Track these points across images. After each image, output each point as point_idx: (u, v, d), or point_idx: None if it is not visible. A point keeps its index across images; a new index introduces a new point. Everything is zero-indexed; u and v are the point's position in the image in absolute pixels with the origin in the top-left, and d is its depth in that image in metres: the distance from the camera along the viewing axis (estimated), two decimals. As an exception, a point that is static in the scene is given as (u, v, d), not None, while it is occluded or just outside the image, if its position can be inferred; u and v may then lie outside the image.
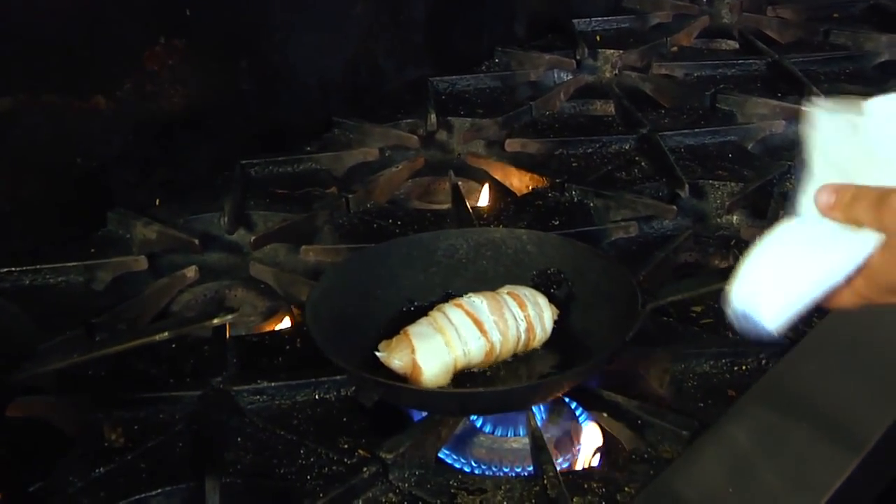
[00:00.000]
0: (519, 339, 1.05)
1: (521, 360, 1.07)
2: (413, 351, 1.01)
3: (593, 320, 1.09)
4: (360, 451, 0.98)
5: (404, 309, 1.13)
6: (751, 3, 2.15)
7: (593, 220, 1.38)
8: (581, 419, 1.05)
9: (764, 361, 1.09)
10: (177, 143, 1.45)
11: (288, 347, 1.15)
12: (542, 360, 1.07)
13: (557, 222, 1.36)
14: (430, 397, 1.01)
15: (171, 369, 1.11)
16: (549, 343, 1.08)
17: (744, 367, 1.09)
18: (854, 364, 1.07)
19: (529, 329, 1.05)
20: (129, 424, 1.03)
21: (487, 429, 1.05)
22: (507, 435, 1.04)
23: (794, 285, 0.83)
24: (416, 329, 1.03)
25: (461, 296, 1.07)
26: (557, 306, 1.09)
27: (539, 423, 1.01)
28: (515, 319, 1.04)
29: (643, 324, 1.02)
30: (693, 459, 0.95)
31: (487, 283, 1.12)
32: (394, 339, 1.03)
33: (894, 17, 2.01)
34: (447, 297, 1.10)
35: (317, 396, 1.07)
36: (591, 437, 1.05)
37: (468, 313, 1.04)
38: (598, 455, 1.04)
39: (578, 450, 1.03)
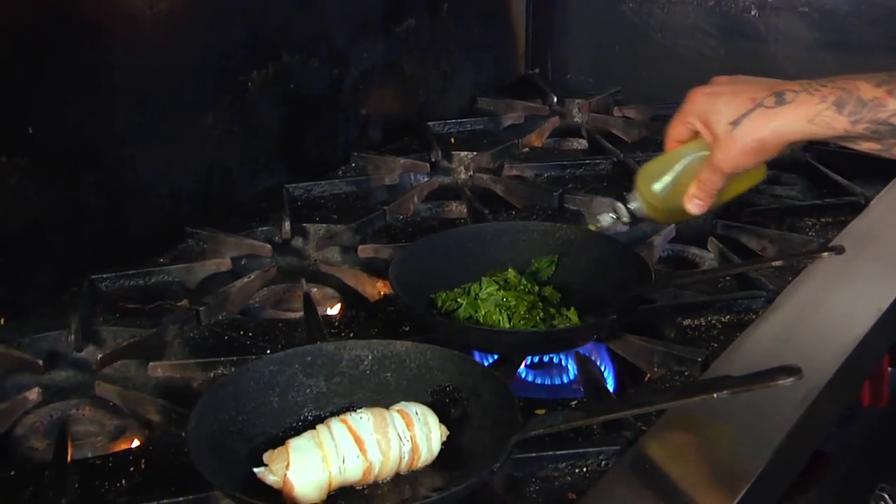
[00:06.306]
0: (401, 459, 1.05)
1: (403, 479, 1.07)
2: (288, 466, 1.01)
3: (480, 443, 1.09)
4: (201, 577, 0.97)
5: (303, 418, 1.13)
6: (599, 104, 2.23)
7: (444, 325, 1.40)
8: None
9: (604, 463, 1.12)
10: (21, 261, 1.42)
11: (132, 469, 1.13)
12: (425, 480, 1.07)
13: (407, 328, 1.37)
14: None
15: (7, 499, 1.08)
16: (437, 463, 1.08)
17: (584, 470, 1.12)
18: (693, 455, 1.12)
19: (414, 450, 1.05)
20: (-39, 560, 1.00)
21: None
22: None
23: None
24: (297, 442, 1.03)
25: (360, 408, 1.08)
26: (450, 425, 1.09)
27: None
28: (400, 439, 1.05)
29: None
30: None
31: (389, 396, 1.13)
32: (276, 451, 1.03)
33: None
34: (348, 409, 1.10)
35: (157, 520, 1.05)
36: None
37: (351, 430, 1.04)
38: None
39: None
